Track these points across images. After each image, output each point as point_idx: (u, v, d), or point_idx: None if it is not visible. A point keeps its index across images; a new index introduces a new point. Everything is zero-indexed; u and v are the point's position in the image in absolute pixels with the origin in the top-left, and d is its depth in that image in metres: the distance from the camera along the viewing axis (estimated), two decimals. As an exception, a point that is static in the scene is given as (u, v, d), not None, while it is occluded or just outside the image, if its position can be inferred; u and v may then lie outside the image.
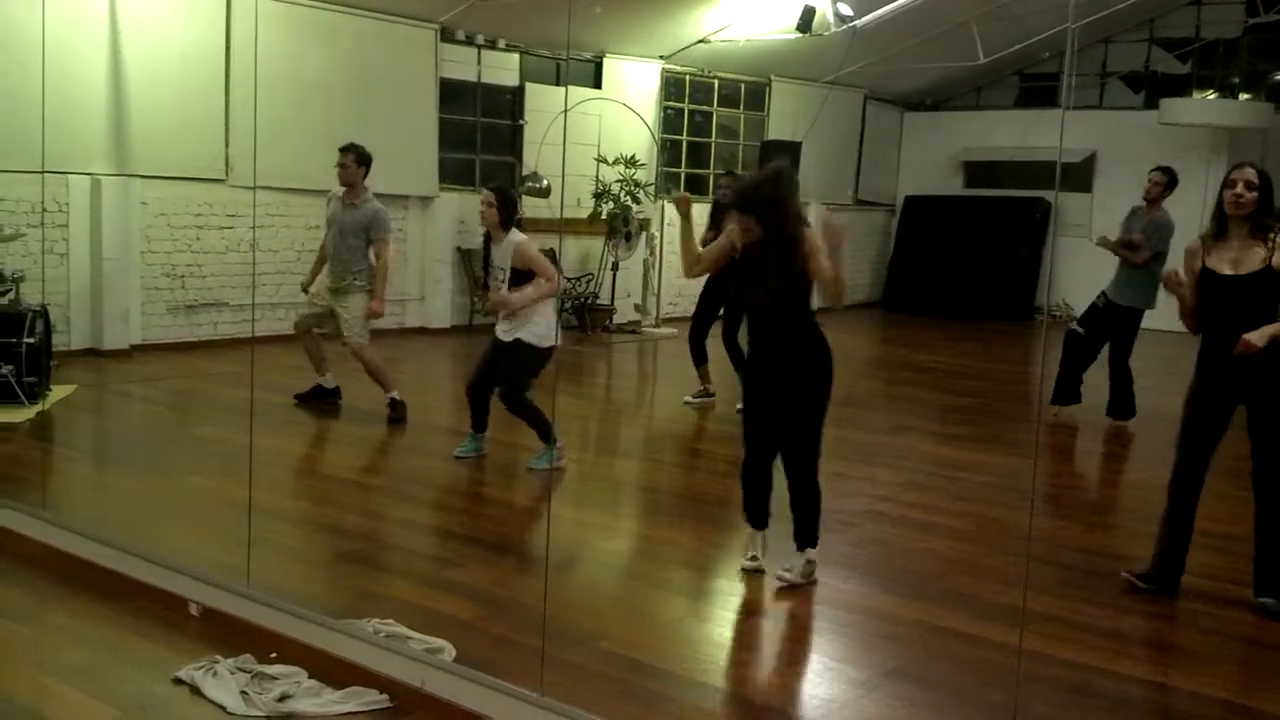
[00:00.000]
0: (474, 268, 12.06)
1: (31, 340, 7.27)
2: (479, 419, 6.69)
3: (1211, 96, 15.52)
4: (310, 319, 7.76)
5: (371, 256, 7.55)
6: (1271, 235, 4.43)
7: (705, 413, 8.48)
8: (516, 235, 6.39)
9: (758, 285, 4.65)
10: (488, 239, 6.51)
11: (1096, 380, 8.23)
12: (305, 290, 7.85)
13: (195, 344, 10.14)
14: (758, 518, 4.90)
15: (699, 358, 8.60)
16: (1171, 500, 4.75)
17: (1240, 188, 4.44)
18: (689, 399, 8.67)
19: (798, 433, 4.72)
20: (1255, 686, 3.98)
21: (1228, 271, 4.49)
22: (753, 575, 4.80)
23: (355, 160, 7.46)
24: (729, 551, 5.21)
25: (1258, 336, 4.36)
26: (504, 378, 6.40)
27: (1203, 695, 3.85)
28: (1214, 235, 4.55)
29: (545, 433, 6.36)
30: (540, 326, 6.32)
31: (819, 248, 4.63)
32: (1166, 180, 7.88)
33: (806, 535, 4.76)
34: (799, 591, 4.70)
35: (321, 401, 7.85)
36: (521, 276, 6.31)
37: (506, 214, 6.38)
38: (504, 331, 6.42)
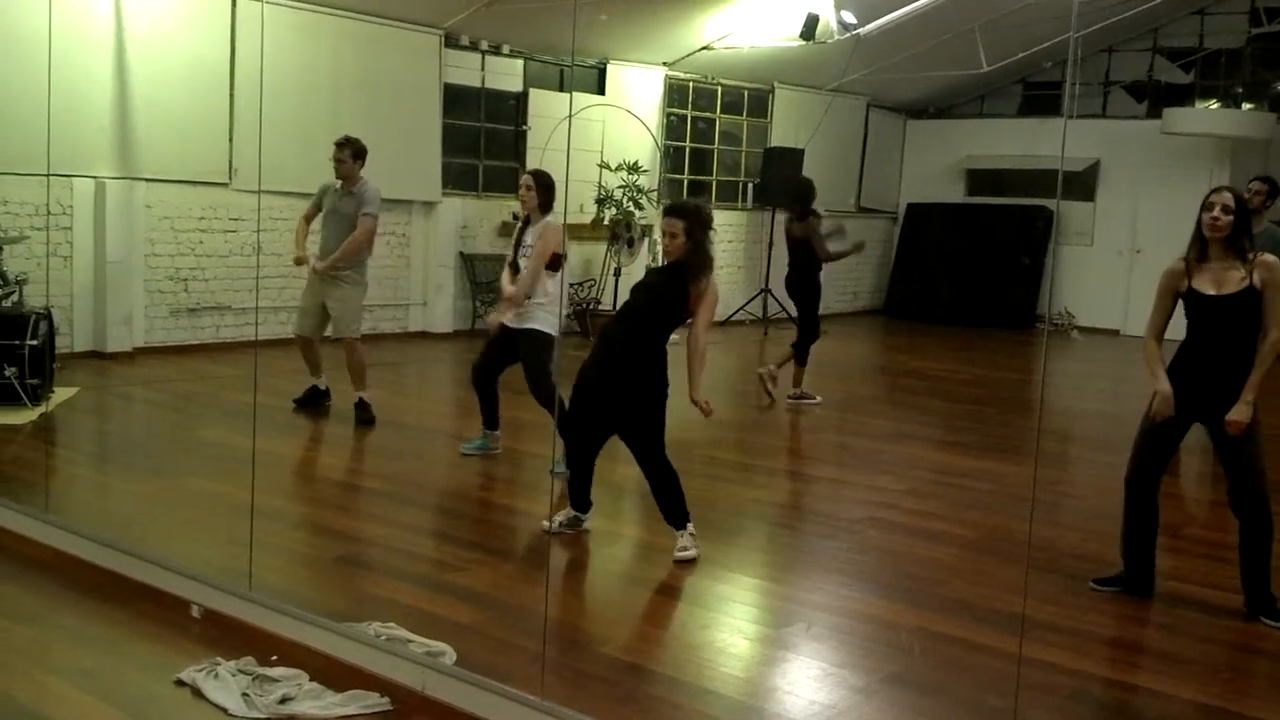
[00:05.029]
0: (476, 273, 12.10)
1: (35, 343, 7.29)
2: (488, 413, 6.72)
3: (1214, 106, 15.53)
4: (309, 325, 7.69)
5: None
6: (1250, 255, 4.53)
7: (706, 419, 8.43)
8: (552, 218, 6.49)
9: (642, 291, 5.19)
10: (523, 226, 6.58)
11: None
12: (299, 263, 7.64)
13: (198, 347, 10.15)
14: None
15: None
16: (1129, 501, 4.83)
17: (1217, 211, 4.52)
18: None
19: (637, 431, 5.14)
20: (1252, 694, 3.99)
21: (1211, 292, 4.56)
22: (751, 581, 4.79)
23: (352, 155, 7.48)
24: (729, 557, 5.22)
25: (1242, 413, 4.47)
26: (526, 370, 6.47)
27: (1200, 703, 3.86)
28: (1196, 258, 4.61)
29: None
30: (551, 314, 6.41)
31: (709, 307, 5.04)
32: (1269, 189, 7.19)
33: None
34: (800, 600, 4.71)
35: (315, 404, 7.85)
36: (549, 263, 6.37)
37: (546, 197, 6.50)
38: (515, 319, 6.44)
